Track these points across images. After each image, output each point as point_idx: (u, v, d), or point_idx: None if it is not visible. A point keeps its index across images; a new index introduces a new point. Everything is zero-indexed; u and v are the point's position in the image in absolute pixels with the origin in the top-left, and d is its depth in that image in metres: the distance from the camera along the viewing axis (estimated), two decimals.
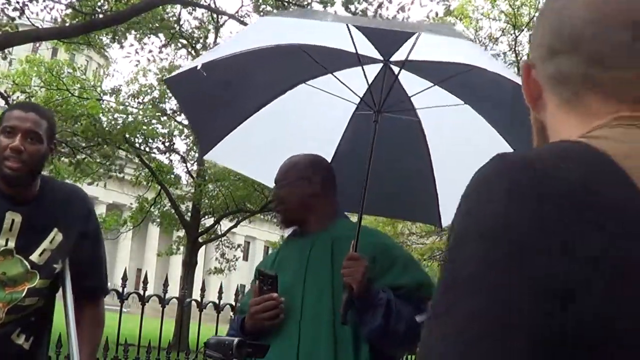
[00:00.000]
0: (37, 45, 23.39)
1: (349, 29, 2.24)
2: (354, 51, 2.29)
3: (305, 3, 10.64)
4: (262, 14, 11.29)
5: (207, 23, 15.29)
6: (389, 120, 2.45)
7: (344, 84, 2.48)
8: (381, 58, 2.43)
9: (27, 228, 2.00)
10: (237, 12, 13.06)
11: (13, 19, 10.04)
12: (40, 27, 11.54)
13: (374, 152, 2.29)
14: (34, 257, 2.01)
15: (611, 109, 0.74)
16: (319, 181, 2.21)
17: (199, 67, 2.33)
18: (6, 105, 12.54)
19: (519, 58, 17.64)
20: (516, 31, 17.57)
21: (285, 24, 2.47)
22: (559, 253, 0.58)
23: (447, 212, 2.81)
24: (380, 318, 1.96)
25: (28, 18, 10.47)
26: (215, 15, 14.52)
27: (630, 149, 0.66)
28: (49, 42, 14.05)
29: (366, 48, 2.35)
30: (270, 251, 9.89)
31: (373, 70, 2.45)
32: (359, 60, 2.31)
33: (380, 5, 10.49)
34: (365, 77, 2.37)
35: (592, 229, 0.59)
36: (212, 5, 12.37)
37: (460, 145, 2.75)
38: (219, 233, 19.26)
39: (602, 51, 0.75)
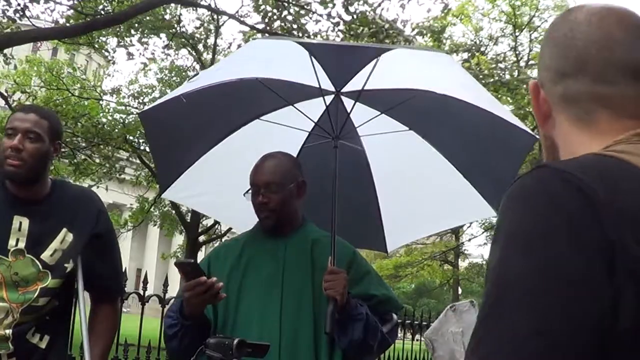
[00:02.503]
0: (39, 45, 23.38)
1: (312, 61, 2.23)
2: (316, 83, 2.30)
3: (305, 3, 10.64)
4: (262, 13, 11.28)
5: (207, 23, 15.27)
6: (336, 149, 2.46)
7: (303, 113, 2.49)
8: (333, 89, 2.44)
9: (35, 229, 2.04)
10: (237, 12, 13.04)
11: (14, 20, 10.03)
12: (40, 27, 11.52)
13: (323, 181, 2.33)
14: (45, 256, 2.05)
15: (622, 125, 0.79)
16: (303, 184, 2.21)
17: (182, 98, 2.34)
18: (6, 105, 12.55)
19: (519, 58, 17.64)
20: (516, 31, 17.54)
21: (250, 57, 2.46)
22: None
23: (392, 236, 2.86)
24: (360, 332, 2.01)
25: (29, 19, 10.44)
26: (215, 15, 14.50)
27: None
28: (49, 42, 14.02)
29: (323, 79, 2.36)
30: None
31: (327, 100, 2.47)
32: (321, 91, 2.33)
33: (379, 5, 10.48)
34: (327, 106, 2.40)
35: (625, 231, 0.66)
36: (212, 5, 12.34)
37: (403, 170, 2.78)
38: (219, 233, 19.24)
39: (608, 68, 0.79)
